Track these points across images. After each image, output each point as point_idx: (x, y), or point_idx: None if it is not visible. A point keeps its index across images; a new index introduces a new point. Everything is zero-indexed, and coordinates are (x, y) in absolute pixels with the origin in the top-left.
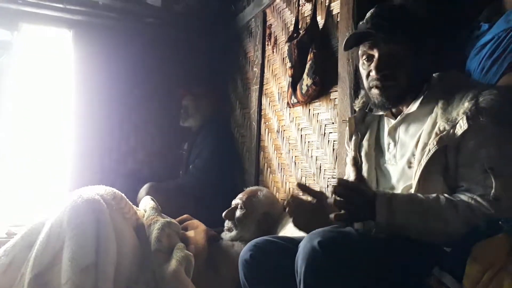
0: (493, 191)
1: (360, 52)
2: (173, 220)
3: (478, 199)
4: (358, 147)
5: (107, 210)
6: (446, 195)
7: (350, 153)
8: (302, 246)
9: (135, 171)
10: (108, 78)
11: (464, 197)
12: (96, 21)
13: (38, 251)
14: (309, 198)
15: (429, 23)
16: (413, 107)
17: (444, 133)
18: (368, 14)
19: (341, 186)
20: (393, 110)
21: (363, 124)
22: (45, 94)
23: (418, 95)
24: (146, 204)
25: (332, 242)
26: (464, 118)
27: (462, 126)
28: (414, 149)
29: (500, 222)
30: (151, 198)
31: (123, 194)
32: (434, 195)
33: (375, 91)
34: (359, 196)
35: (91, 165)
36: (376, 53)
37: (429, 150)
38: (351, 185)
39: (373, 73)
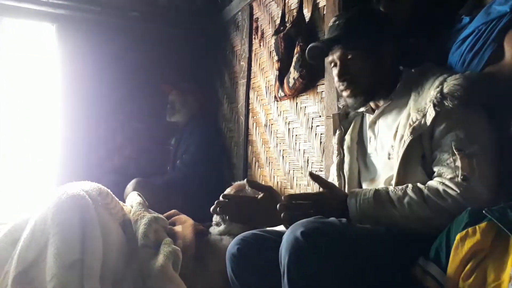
0: (460, 171)
1: (328, 59)
2: (160, 215)
3: (447, 182)
4: (341, 141)
5: (92, 206)
6: (416, 184)
7: (334, 147)
8: (285, 238)
9: (122, 167)
10: (93, 74)
11: (433, 182)
12: (80, 15)
13: (22, 248)
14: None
15: (389, 24)
16: (390, 100)
17: (416, 123)
18: (330, 23)
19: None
20: (372, 105)
21: (346, 120)
22: (29, 90)
23: (394, 89)
24: (132, 200)
25: (315, 232)
26: (431, 105)
27: (430, 114)
28: (392, 141)
29: (483, 211)
30: (138, 194)
31: (109, 190)
32: (403, 185)
33: (344, 95)
34: (332, 198)
35: (77, 161)
36: (337, 60)
37: (404, 142)
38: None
39: (335, 79)
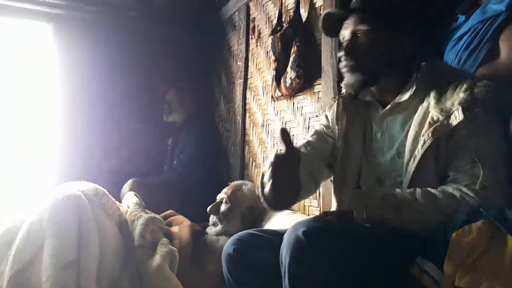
0: (480, 180)
1: (340, 36)
2: (157, 216)
3: (464, 189)
4: (346, 133)
5: (89, 206)
6: (426, 189)
7: (337, 135)
8: (286, 237)
9: (119, 167)
10: (90, 73)
11: (449, 187)
12: (76, 15)
13: (18, 249)
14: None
15: (411, 14)
16: (404, 96)
17: (438, 123)
18: None
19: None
20: (380, 98)
21: (352, 105)
22: (26, 89)
23: (407, 85)
24: (129, 200)
25: (316, 231)
26: (460, 109)
27: (457, 116)
28: (404, 139)
29: (480, 210)
30: (135, 194)
31: (105, 190)
32: (411, 189)
33: (343, 71)
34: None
35: (73, 161)
36: (347, 35)
37: (424, 141)
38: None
39: (342, 57)
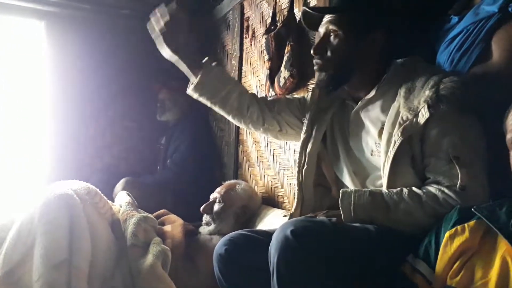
0: (459, 181)
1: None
2: (149, 215)
3: (445, 190)
4: (313, 119)
5: (80, 205)
6: (411, 188)
7: (305, 123)
8: (275, 236)
9: (111, 166)
10: (83, 71)
11: (431, 188)
12: (69, 12)
13: (8, 248)
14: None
15: (389, 13)
16: (371, 93)
17: (407, 122)
18: None
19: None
20: (354, 95)
21: (325, 99)
22: (18, 87)
23: (378, 83)
24: (121, 199)
25: (305, 231)
26: (426, 106)
27: (424, 114)
28: (377, 138)
29: (472, 209)
30: (127, 193)
31: (97, 189)
32: (398, 189)
33: (314, 69)
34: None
35: (65, 160)
36: (321, 33)
37: (395, 142)
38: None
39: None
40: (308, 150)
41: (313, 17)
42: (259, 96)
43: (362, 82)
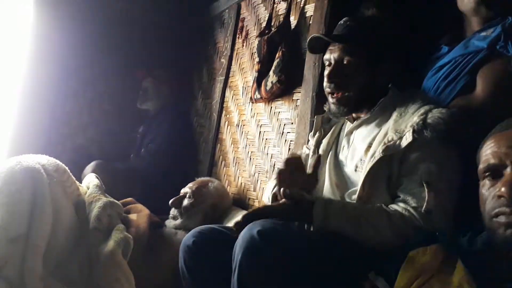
0: (425, 204)
1: (325, 56)
2: (116, 201)
3: (411, 210)
4: (318, 144)
5: (47, 181)
6: (381, 205)
7: (311, 149)
8: (241, 235)
9: (84, 147)
10: (68, 48)
11: (398, 207)
12: None
13: None
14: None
15: (393, 39)
16: (368, 114)
17: (391, 142)
18: (340, 21)
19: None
20: (354, 115)
21: (328, 124)
22: None
23: (375, 106)
24: (89, 181)
25: (271, 232)
26: (411, 131)
27: (407, 138)
28: (363, 154)
29: (436, 234)
30: (96, 176)
31: (66, 167)
32: (370, 205)
33: (329, 100)
34: (296, 212)
35: (36, 135)
36: (332, 60)
37: (374, 158)
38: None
39: (325, 80)
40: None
41: (318, 42)
42: (243, 98)
43: (364, 105)
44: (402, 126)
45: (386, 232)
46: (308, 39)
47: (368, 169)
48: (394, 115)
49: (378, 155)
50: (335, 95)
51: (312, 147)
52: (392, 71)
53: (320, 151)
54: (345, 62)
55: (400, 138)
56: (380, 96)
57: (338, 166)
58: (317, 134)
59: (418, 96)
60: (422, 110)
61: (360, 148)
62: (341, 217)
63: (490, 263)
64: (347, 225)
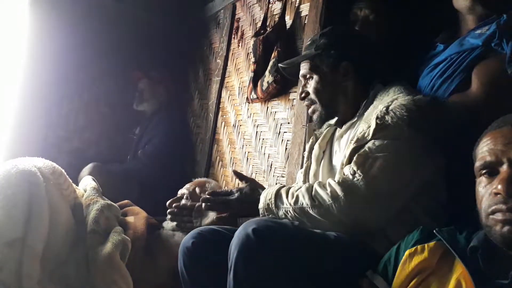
0: (352, 165)
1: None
2: (113, 203)
3: (336, 177)
4: (311, 149)
5: (43, 184)
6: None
7: (305, 155)
8: (236, 234)
9: (81, 150)
10: (63, 51)
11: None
12: None
13: None
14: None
15: (371, 47)
16: (354, 118)
17: (361, 134)
18: (308, 41)
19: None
20: (343, 121)
21: (320, 130)
22: None
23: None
24: (86, 184)
25: (266, 230)
26: (374, 118)
27: (372, 125)
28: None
29: (434, 231)
30: (93, 179)
31: (63, 170)
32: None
33: (308, 111)
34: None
35: (32, 138)
36: (302, 77)
37: (348, 150)
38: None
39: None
40: (310, 176)
41: (291, 68)
42: (240, 98)
43: (349, 109)
44: (370, 116)
45: (313, 204)
46: (281, 68)
47: (344, 162)
48: (370, 109)
49: (351, 146)
50: (309, 109)
51: (306, 153)
52: (354, 70)
53: (313, 157)
54: (308, 77)
55: (368, 127)
56: (361, 97)
57: (331, 171)
58: (310, 140)
59: (396, 89)
60: (389, 99)
61: (345, 149)
62: (274, 196)
63: (488, 260)
64: (279, 203)
